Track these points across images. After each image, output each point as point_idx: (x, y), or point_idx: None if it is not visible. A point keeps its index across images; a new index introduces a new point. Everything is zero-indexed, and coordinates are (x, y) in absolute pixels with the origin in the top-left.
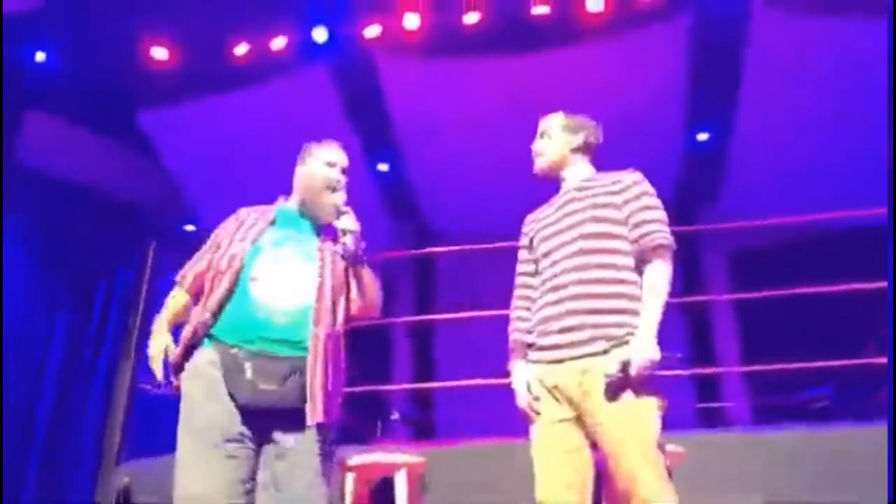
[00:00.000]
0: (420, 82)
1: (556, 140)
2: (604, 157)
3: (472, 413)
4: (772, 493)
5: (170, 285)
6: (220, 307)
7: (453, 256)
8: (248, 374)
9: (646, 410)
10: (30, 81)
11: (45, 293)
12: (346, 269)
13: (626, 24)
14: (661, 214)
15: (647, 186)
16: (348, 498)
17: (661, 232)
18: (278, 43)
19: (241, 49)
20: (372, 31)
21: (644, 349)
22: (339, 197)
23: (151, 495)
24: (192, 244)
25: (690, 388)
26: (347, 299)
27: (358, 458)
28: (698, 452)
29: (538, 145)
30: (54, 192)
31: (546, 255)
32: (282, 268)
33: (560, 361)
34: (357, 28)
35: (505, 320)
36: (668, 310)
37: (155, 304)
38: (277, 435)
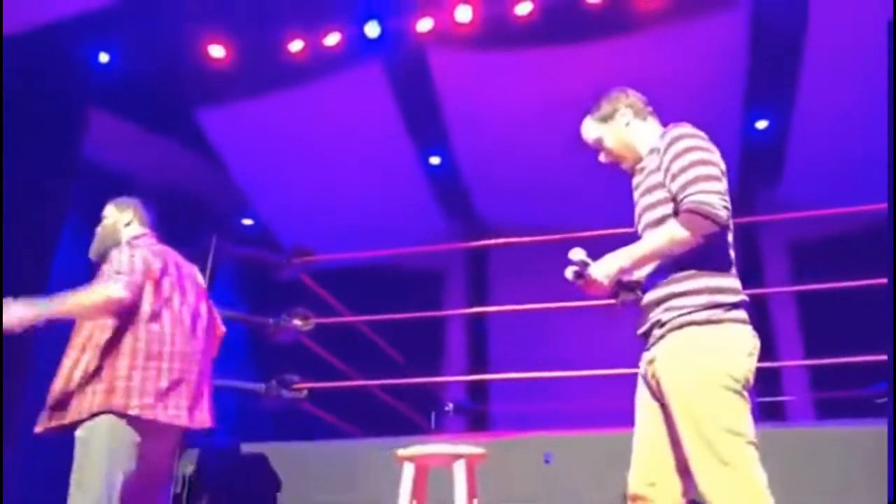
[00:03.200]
0: (473, 75)
1: (608, 135)
2: None
3: (525, 405)
4: (832, 488)
5: (229, 277)
6: None
7: (506, 248)
8: None
9: (709, 399)
10: (94, 81)
11: None
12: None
13: (683, 12)
14: (693, 174)
15: (681, 144)
16: (406, 488)
17: (688, 196)
18: (332, 39)
19: (297, 45)
20: (424, 24)
21: (602, 265)
22: None
23: (215, 482)
24: (250, 238)
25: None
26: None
27: (416, 448)
28: (759, 446)
29: (604, 157)
30: (116, 189)
31: None
32: None
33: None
34: (409, 22)
35: (557, 313)
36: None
37: (217, 294)
38: None
